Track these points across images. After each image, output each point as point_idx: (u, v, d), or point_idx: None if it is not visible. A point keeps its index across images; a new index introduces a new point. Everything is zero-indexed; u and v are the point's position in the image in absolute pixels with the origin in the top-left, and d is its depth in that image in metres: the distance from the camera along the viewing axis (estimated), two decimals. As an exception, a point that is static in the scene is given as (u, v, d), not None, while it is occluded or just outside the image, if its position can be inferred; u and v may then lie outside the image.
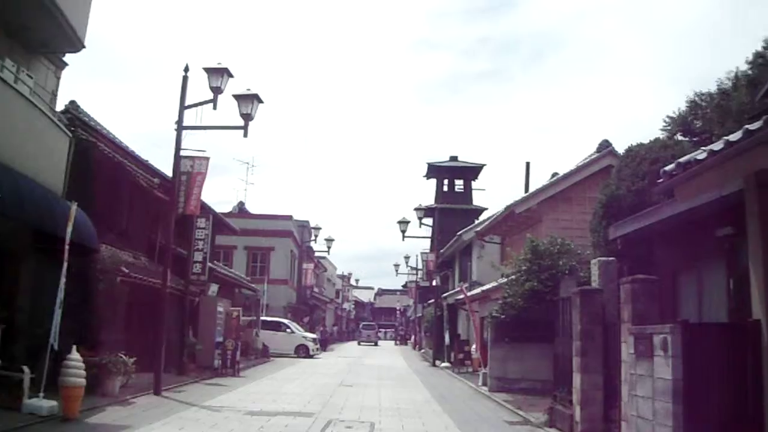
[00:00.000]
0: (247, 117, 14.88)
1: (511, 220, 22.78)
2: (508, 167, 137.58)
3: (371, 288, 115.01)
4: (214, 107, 15.07)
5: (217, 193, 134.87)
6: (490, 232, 26.16)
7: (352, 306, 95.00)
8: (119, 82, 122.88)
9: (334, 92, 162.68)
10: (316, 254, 55.83)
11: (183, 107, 15.29)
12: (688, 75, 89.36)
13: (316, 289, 58.92)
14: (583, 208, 19.35)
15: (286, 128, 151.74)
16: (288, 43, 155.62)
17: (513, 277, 17.13)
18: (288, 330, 34.18)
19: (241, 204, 46.09)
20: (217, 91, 15.02)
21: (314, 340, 35.46)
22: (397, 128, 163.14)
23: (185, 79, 15.41)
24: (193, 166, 15.86)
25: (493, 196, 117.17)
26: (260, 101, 15.13)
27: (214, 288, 21.93)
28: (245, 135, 14.89)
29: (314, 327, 45.97)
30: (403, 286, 73.89)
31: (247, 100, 14.86)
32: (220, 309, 21.64)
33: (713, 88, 17.35)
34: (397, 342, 72.34)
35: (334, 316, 75.46)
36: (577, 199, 20.42)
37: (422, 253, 41.91)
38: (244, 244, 39.94)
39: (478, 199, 44.91)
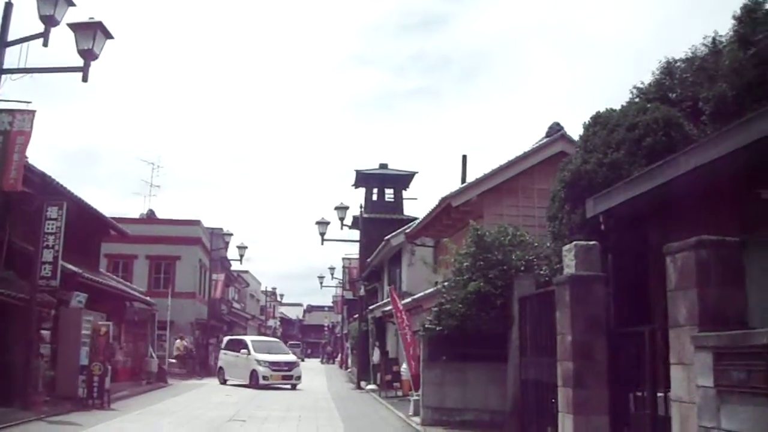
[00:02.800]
0: (89, 54, 10.76)
1: (447, 217, 19.19)
2: (441, 180, 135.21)
3: (300, 305, 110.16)
4: (45, 43, 10.93)
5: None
6: (421, 233, 22.46)
7: (278, 323, 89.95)
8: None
9: (261, 107, 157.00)
10: (238, 268, 51.32)
11: (4, 43, 11.11)
12: (611, 91, 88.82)
13: (236, 305, 54.34)
14: (531, 201, 16.86)
15: (211, 143, 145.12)
16: (217, 56, 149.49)
17: (452, 279, 13.56)
18: (244, 351, 26.38)
19: (150, 212, 41.33)
20: (50, 21, 10.88)
21: (270, 363, 25.52)
22: (327, 145, 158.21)
23: (8, 6, 11.26)
24: (13, 122, 11.36)
25: (425, 207, 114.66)
26: (109, 36, 11.08)
27: (79, 298, 17.44)
28: (84, 79, 10.75)
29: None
30: (332, 302, 70.95)
31: (87, 32, 10.74)
32: (86, 324, 17.23)
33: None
34: (324, 360, 68.41)
35: (258, 335, 70.67)
36: (525, 190, 17.58)
37: (344, 259, 37.72)
38: (146, 253, 35.22)
39: (409, 210, 41.26)
